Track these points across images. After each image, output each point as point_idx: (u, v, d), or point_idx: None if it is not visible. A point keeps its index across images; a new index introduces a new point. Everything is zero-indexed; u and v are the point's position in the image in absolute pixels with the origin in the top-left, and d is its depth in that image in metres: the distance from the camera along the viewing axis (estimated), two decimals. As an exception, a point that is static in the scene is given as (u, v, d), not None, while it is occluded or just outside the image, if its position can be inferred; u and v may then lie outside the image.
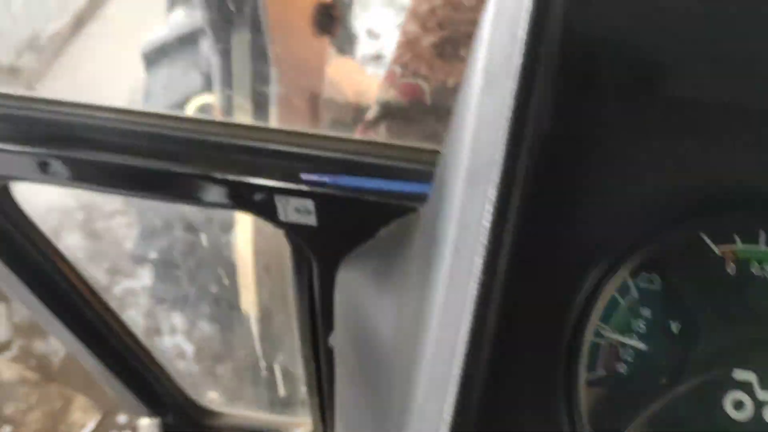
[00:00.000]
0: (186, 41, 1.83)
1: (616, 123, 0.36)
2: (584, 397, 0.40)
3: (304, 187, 0.74)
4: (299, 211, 0.76)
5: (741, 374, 0.38)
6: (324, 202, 0.75)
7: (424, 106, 0.94)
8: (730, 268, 0.37)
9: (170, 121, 0.76)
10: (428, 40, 0.96)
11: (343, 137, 0.75)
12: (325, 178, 0.74)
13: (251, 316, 1.65)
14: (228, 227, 1.77)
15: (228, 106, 1.38)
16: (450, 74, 0.92)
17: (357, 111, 2.00)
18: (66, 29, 3.81)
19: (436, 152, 0.75)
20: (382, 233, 0.76)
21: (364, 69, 2.69)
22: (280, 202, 0.75)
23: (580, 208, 0.38)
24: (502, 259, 0.34)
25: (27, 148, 0.78)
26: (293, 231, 0.79)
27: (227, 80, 1.37)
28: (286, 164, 0.74)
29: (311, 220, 0.77)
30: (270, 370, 1.79)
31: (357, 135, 0.95)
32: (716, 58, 0.34)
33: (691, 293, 0.38)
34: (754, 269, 0.37)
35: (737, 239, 0.37)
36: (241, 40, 1.34)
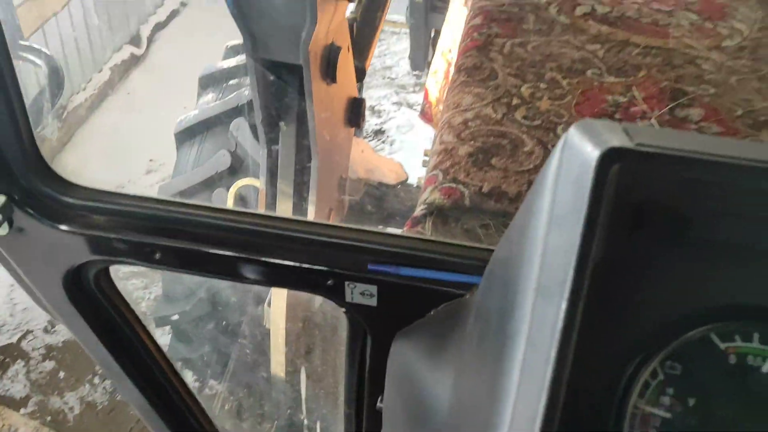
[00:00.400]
0: (215, 123, 1.97)
1: (652, 255, 0.48)
2: None
3: (370, 275, 0.86)
4: (363, 294, 0.88)
5: None
6: (386, 287, 0.87)
7: (463, 207, 1.08)
8: (731, 360, 0.50)
9: (262, 219, 0.88)
10: (464, 150, 1.10)
11: (405, 235, 0.89)
12: (389, 269, 0.86)
13: (283, 377, 1.74)
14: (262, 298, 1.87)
15: (273, 191, 1.52)
16: (484, 180, 1.08)
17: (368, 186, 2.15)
18: (89, 101, 3.95)
19: (479, 249, 0.89)
20: (433, 313, 0.88)
21: (370, 146, 2.85)
22: (348, 287, 0.87)
23: (624, 316, 0.50)
24: (570, 353, 0.47)
25: (131, 237, 0.89)
26: (354, 310, 0.90)
27: (273, 169, 1.51)
28: (356, 256, 0.86)
29: (372, 301, 0.88)
30: (310, 428, 1.87)
31: (406, 229, 1.09)
32: (730, 212, 0.46)
33: (703, 377, 0.51)
34: (750, 360, 0.50)
35: (737, 339, 0.50)
36: (288, 133, 1.48)
